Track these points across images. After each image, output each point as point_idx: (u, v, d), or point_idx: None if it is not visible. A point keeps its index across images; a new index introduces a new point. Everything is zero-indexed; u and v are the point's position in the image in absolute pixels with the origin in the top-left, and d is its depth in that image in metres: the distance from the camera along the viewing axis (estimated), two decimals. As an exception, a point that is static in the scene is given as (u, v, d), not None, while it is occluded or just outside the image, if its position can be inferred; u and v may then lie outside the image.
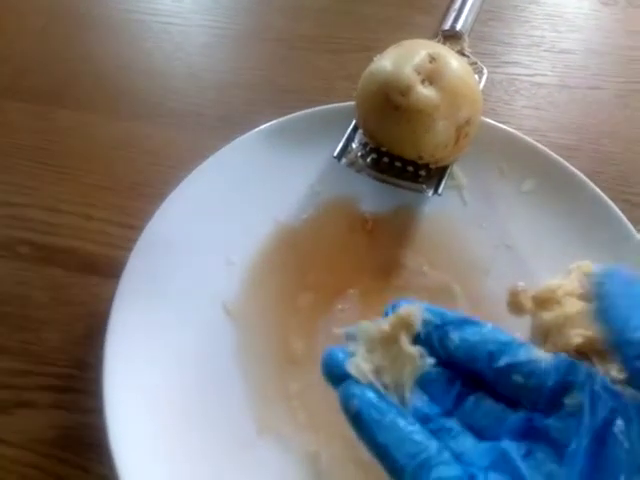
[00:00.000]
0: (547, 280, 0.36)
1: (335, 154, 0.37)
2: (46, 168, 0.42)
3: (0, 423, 0.34)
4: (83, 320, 0.36)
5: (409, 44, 0.36)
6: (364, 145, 0.37)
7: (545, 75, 0.47)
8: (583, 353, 0.32)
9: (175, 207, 0.36)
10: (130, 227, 0.40)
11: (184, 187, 0.37)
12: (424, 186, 0.36)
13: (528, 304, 0.35)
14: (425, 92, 0.32)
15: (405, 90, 0.32)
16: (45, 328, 0.36)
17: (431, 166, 0.36)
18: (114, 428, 0.30)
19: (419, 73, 0.33)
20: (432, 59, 0.34)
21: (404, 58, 0.33)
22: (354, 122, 0.38)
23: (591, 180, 0.38)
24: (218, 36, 0.50)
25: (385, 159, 0.37)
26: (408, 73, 0.33)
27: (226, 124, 0.44)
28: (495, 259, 0.37)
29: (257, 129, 0.39)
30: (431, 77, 0.33)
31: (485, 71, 0.42)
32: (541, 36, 0.49)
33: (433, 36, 0.47)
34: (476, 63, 0.42)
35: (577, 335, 0.31)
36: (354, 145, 0.38)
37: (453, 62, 0.34)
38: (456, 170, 0.38)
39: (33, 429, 0.33)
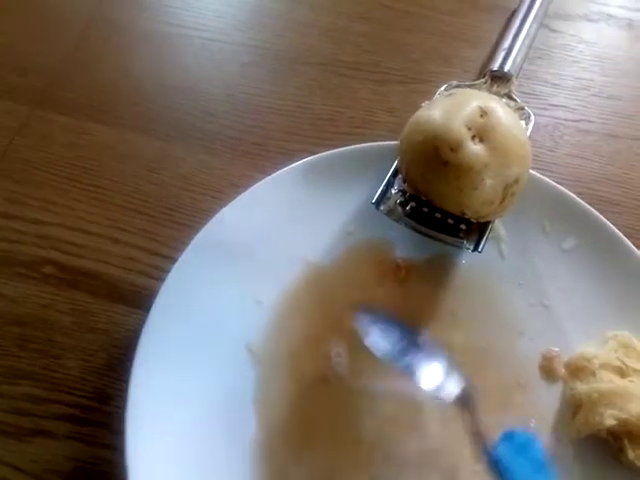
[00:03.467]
0: (583, 346, 0.35)
1: (373, 200, 0.36)
2: (76, 185, 0.42)
3: (16, 450, 0.33)
4: (105, 350, 0.36)
5: (459, 95, 0.34)
6: (403, 192, 0.36)
7: (591, 122, 0.45)
8: (615, 433, 0.31)
9: (206, 242, 0.35)
10: (157, 254, 0.39)
11: (216, 222, 0.36)
12: (464, 241, 0.35)
13: (561, 371, 0.34)
14: (475, 149, 0.31)
15: (455, 146, 0.31)
16: (67, 355, 0.36)
17: (473, 220, 0.35)
18: (135, 468, 0.30)
19: (469, 128, 0.32)
20: (483, 113, 0.32)
21: (455, 111, 0.32)
22: (394, 166, 0.37)
23: (633, 239, 0.37)
24: (258, 56, 0.48)
25: (425, 209, 0.35)
26: (459, 128, 0.31)
27: (261, 151, 0.44)
28: (530, 318, 0.36)
29: (293, 165, 0.38)
30: (482, 133, 0.32)
31: (532, 118, 0.40)
32: (590, 79, 0.48)
33: (480, 74, 0.46)
34: (523, 108, 0.41)
35: (611, 416, 0.30)
36: (393, 191, 0.37)
37: (504, 117, 0.33)
38: (495, 222, 0.37)
39: (49, 459, 0.33)
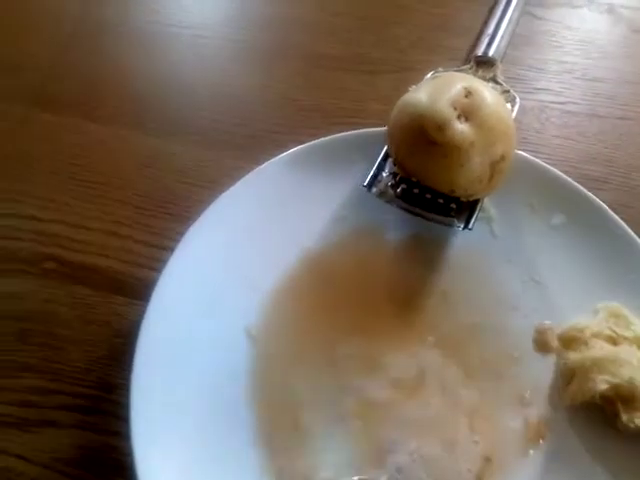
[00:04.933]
0: (574, 318, 0.36)
1: (365, 183, 0.37)
2: (73, 182, 0.42)
3: (23, 441, 0.34)
4: (107, 341, 0.36)
5: (445, 77, 0.35)
6: (394, 174, 0.37)
7: (576, 103, 0.46)
8: (608, 398, 0.32)
9: (203, 232, 0.36)
10: (155, 246, 0.40)
11: (211, 212, 0.37)
12: (455, 220, 0.36)
13: (554, 343, 0.35)
14: (461, 128, 0.32)
15: (442, 125, 0.32)
16: (69, 347, 0.36)
17: (462, 199, 0.35)
18: (140, 452, 0.30)
19: (455, 108, 0.33)
20: (468, 93, 0.33)
21: (440, 92, 0.33)
22: (384, 150, 0.38)
23: (619, 214, 0.37)
24: (245, 50, 0.49)
25: (415, 190, 0.36)
26: (444, 108, 0.32)
27: (252, 143, 0.44)
28: (523, 294, 0.36)
29: (285, 153, 0.39)
30: (467, 112, 0.33)
31: (517, 100, 0.41)
32: (573, 62, 0.49)
33: (465, 61, 0.47)
34: (509, 91, 0.42)
35: (603, 381, 0.31)
36: (384, 174, 0.38)
37: (489, 97, 0.34)
38: (486, 202, 0.38)
39: (56, 448, 0.33)
